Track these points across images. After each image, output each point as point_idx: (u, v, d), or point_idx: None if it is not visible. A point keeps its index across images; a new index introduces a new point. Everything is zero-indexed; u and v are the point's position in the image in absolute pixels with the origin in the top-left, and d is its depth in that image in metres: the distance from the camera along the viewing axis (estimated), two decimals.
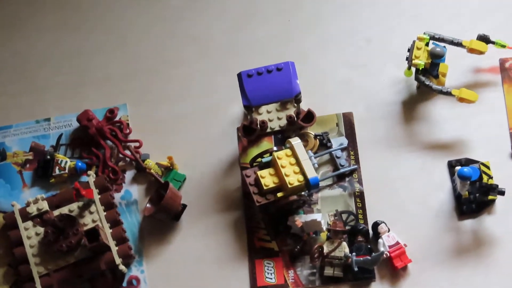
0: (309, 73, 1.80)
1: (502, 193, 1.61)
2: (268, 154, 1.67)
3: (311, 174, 1.61)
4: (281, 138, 1.75)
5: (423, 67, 1.67)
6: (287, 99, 1.65)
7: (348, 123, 1.76)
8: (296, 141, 1.64)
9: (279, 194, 1.62)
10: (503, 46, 1.72)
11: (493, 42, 1.72)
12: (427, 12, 1.83)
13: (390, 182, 1.71)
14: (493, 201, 1.66)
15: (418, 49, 1.68)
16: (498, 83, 1.75)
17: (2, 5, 1.96)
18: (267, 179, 1.63)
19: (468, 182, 1.59)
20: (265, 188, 1.62)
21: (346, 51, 1.83)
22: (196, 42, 1.87)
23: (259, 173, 1.64)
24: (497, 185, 1.61)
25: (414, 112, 1.75)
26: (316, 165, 1.67)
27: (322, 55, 1.83)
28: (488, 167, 1.66)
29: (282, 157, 1.64)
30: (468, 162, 1.68)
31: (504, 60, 1.77)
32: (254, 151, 1.73)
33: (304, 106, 1.75)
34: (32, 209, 1.64)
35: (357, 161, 1.72)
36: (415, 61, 1.67)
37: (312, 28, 1.87)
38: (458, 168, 1.58)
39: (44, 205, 1.64)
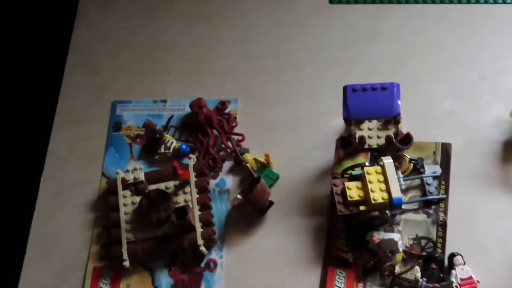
0: (416, 99, 1.84)
1: None
2: (359, 168, 1.72)
3: (396, 194, 1.65)
4: (377, 156, 1.79)
5: None
6: (386, 118, 1.70)
7: (445, 153, 1.78)
8: (388, 160, 1.69)
9: (362, 208, 1.67)
10: None
11: None
12: None
13: (475, 218, 1.71)
14: None
15: None
16: None
17: None
18: (353, 191, 1.68)
19: None
20: (349, 199, 1.67)
21: (456, 83, 1.85)
22: (312, 51, 1.95)
23: (347, 184, 1.69)
24: None
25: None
26: (404, 187, 1.70)
27: (432, 83, 1.86)
28: None
29: (372, 173, 1.68)
30: None
31: None
32: (348, 164, 1.78)
33: (405, 130, 1.79)
34: (130, 177, 1.77)
35: (446, 191, 1.74)
36: None
37: (428, 55, 1.90)
38: None
39: (141, 175, 1.76)
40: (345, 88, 1.72)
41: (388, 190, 1.65)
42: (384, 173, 1.67)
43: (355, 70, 1.89)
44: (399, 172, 1.71)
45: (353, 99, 1.70)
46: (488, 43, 1.88)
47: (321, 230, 1.76)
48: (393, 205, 1.64)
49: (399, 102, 1.69)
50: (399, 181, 1.68)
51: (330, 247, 1.74)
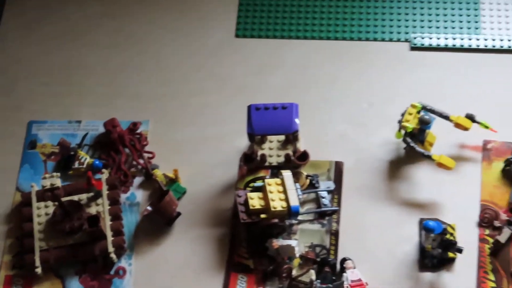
0: (314, 122, 2.02)
1: (460, 250, 1.78)
2: (261, 181, 1.88)
3: (293, 202, 1.81)
4: (277, 173, 1.95)
5: (411, 130, 1.87)
6: (286, 134, 1.87)
7: (338, 170, 1.96)
8: (287, 173, 1.85)
9: (263, 216, 1.82)
10: (486, 127, 1.92)
11: (478, 122, 1.92)
12: (425, 89, 2.05)
13: (365, 227, 1.89)
14: (453, 259, 1.82)
15: (410, 114, 1.89)
16: (478, 160, 1.94)
17: (66, 16, 2.24)
18: (255, 200, 1.83)
19: (431, 234, 1.77)
20: (251, 208, 1.82)
21: (349, 109, 2.05)
22: (220, 79, 2.11)
23: (249, 194, 1.84)
24: (456, 242, 1.78)
25: (398, 171, 1.95)
26: (301, 197, 1.86)
27: (328, 109, 2.05)
28: (453, 229, 1.83)
29: (272, 184, 1.84)
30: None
31: (487, 141, 1.96)
32: (251, 179, 1.94)
33: (302, 148, 1.96)
34: (46, 183, 1.87)
35: (339, 204, 1.92)
36: (404, 123, 1.88)
37: (325, 85, 2.09)
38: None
39: (57, 182, 1.87)
40: (249, 107, 1.89)
41: (287, 200, 1.81)
42: (283, 184, 1.83)
43: (258, 97, 2.06)
44: (297, 184, 1.87)
45: (256, 117, 1.87)
46: (377, 75, 2.09)
47: (224, 239, 1.90)
48: (291, 212, 1.80)
49: (297, 121, 1.86)
50: (297, 191, 1.84)
51: (233, 254, 1.88)
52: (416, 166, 1.94)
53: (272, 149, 1.98)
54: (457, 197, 1.90)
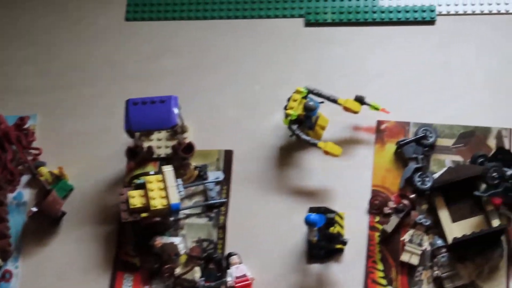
0: (203, 109, 1.95)
1: (344, 243, 1.73)
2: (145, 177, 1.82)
3: (173, 200, 1.75)
4: (165, 164, 1.89)
5: (295, 117, 1.80)
6: (164, 129, 1.81)
7: (227, 160, 1.90)
8: (167, 169, 1.79)
9: (143, 215, 1.77)
10: (376, 109, 1.85)
11: (368, 104, 1.84)
12: (321, 69, 1.96)
13: (254, 219, 1.84)
14: (341, 250, 1.77)
15: (294, 100, 1.81)
16: (371, 143, 1.87)
17: None
18: (136, 199, 1.78)
19: (315, 228, 1.71)
20: (131, 207, 1.77)
21: (240, 93, 1.97)
22: (109, 65, 2.04)
23: (130, 192, 1.79)
24: (340, 235, 1.73)
25: (290, 158, 1.88)
26: (183, 194, 1.80)
27: (218, 93, 1.97)
28: (341, 218, 1.78)
29: (153, 181, 1.78)
30: (326, 211, 1.79)
31: (380, 122, 1.88)
32: (139, 173, 1.88)
33: (192, 139, 1.90)
34: None
35: (227, 195, 1.86)
36: (287, 111, 1.80)
37: (216, 68, 2.01)
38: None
39: None
40: (126, 102, 1.81)
41: (167, 197, 1.76)
42: (164, 181, 1.77)
43: (148, 83, 1.99)
44: (179, 180, 1.81)
45: (134, 112, 1.79)
46: (270, 55, 2.01)
47: (112, 237, 1.85)
48: (171, 210, 1.75)
49: (177, 111, 1.79)
50: (178, 187, 1.78)
51: (119, 253, 1.83)
52: (307, 152, 1.88)
53: (160, 140, 1.92)
54: (349, 183, 1.84)
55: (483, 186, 1.75)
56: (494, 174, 1.71)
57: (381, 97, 1.89)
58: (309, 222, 1.69)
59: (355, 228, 1.79)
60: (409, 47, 1.97)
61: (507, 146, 1.83)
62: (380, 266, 1.76)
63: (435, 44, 1.96)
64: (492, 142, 1.84)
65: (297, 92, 1.83)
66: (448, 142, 1.85)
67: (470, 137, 1.85)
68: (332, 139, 1.87)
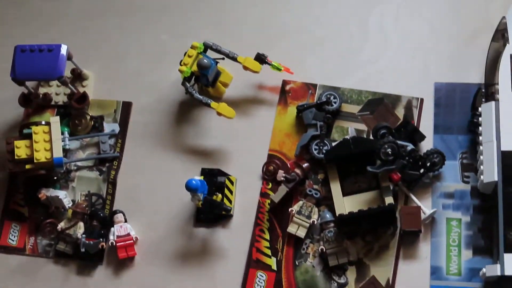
0: (106, 58, 1.87)
1: (227, 210, 1.67)
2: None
3: (56, 154, 1.70)
4: (63, 113, 1.82)
5: (188, 75, 1.71)
6: (50, 80, 1.73)
7: (125, 112, 1.82)
8: (54, 120, 1.73)
9: (27, 166, 1.72)
10: (279, 69, 1.74)
11: (269, 64, 1.74)
12: (229, 22, 1.86)
13: (145, 176, 1.78)
14: (230, 216, 1.71)
15: (189, 56, 1.72)
16: (274, 103, 1.78)
17: None
18: (22, 149, 1.72)
19: (198, 193, 1.65)
20: (16, 157, 1.71)
21: (146, 42, 1.88)
22: (15, 7, 1.95)
23: (16, 142, 1.73)
24: (222, 202, 1.66)
25: (189, 115, 1.80)
26: (68, 146, 1.75)
27: (121, 43, 1.88)
28: (232, 183, 1.71)
29: (39, 132, 1.72)
30: (219, 173, 1.73)
31: (286, 82, 1.79)
32: (36, 120, 1.81)
33: (94, 88, 1.83)
34: None
35: (122, 150, 1.79)
36: (180, 68, 1.71)
37: (123, 13, 1.91)
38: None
39: None
40: (15, 49, 1.73)
41: (51, 150, 1.70)
42: (50, 133, 1.71)
43: (48, 27, 1.91)
44: (66, 133, 1.75)
45: (20, 60, 1.72)
46: (180, 5, 1.90)
47: (2, 185, 1.81)
48: (54, 164, 1.69)
49: (64, 63, 1.71)
50: (63, 140, 1.72)
51: (9, 202, 1.79)
52: (207, 110, 1.78)
53: (59, 87, 1.84)
54: (247, 145, 1.77)
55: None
56: (389, 150, 1.61)
57: (290, 56, 1.80)
58: (189, 188, 1.63)
59: (247, 194, 1.73)
60: (328, 5, 1.84)
61: (415, 116, 1.72)
62: (267, 236, 1.70)
63: (352, 4, 1.83)
64: (400, 112, 1.73)
65: (193, 47, 1.73)
66: (355, 109, 1.75)
67: (378, 104, 1.74)
68: (235, 97, 1.79)
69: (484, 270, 1.54)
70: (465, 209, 1.64)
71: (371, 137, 1.69)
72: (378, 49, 1.79)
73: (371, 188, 1.67)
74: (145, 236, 1.73)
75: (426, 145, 1.69)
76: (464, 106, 1.71)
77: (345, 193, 1.67)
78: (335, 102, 1.73)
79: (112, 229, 1.72)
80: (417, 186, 1.66)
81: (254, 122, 1.77)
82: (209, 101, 1.71)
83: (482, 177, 1.58)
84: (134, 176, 1.78)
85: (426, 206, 1.65)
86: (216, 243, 1.71)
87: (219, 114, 1.70)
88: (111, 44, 1.88)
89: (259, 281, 1.66)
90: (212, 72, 1.73)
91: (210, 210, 1.67)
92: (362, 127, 1.74)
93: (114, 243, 1.70)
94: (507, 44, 1.65)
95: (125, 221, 1.73)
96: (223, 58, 1.75)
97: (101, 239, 1.70)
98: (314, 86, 1.77)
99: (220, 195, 1.68)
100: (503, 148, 1.57)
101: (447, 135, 1.69)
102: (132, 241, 1.71)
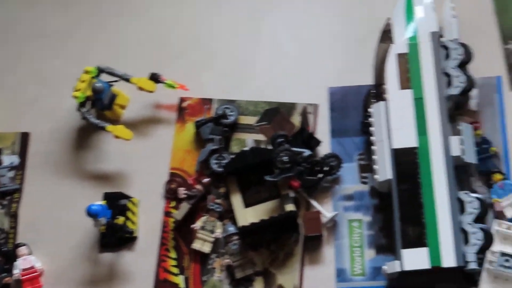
0: (1, 88, 1.85)
1: (130, 233, 1.66)
2: None
3: None
4: None
5: (82, 100, 1.70)
6: None
7: (23, 143, 1.80)
8: None
9: None
10: (173, 87, 1.74)
11: (163, 82, 1.74)
12: (123, 44, 1.86)
13: (48, 206, 1.76)
14: (134, 238, 1.70)
15: (82, 81, 1.71)
16: (172, 122, 1.78)
17: None
18: None
19: (99, 218, 1.63)
20: None
21: (39, 69, 1.86)
22: None
23: None
24: (124, 225, 1.65)
25: (89, 140, 1.80)
26: None
27: (14, 70, 1.87)
28: (134, 204, 1.70)
29: None
30: (121, 196, 1.72)
31: (183, 99, 1.79)
32: None
33: None
34: None
35: (22, 181, 1.77)
36: (73, 93, 1.70)
37: (10, 41, 1.90)
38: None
39: None
40: None
41: None
42: None
43: None
44: None
45: None
46: (73, 29, 1.89)
47: None
48: None
49: None
50: None
51: None
52: (106, 134, 1.77)
53: None
54: (147, 166, 1.76)
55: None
56: (285, 158, 1.61)
57: (185, 72, 1.80)
58: (90, 213, 1.61)
59: (151, 214, 1.72)
60: (218, 19, 1.85)
61: (311, 122, 1.73)
62: (173, 254, 1.69)
63: (243, 15, 1.84)
64: (297, 119, 1.74)
65: (86, 72, 1.72)
66: (253, 120, 1.76)
67: (274, 114, 1.75)
68: (134, 118, 1.79)
69: (384, 267, 1.55)
70: (366, 209, 1.65)
71: (270, 147, 1.69)
72: (272, 58, 1.81)
73: (272, 197, 1.67)
74: (51, 266, 1.71)
75: (325, 150, 1.70)
76: (358, 109, 1.72)
77: (248, 204, 1.67)
78: (231, 115, 1.73)
79: (15, 263, 1.69)
80: (317, 191, 1.66)
81: (154, 141, 1.77)
82: (105, 124, 1.70)
83: (377, 176, 1.60)
84: (36, 207, 1.76)
85: (327, 209, 1.65)
86: (123, 266, 1.69)
87: (116, 137, 1.69)
88: (8, 72, 1.86)
89: None
90: (106, 95, 1.72)
91: (113, 234, 1.66)
92: (261, 137, 1.74)
93: (20, 277, 1.67)
94: (393, 45, 1.67)
95: (30, 253, 1.70)
96: (117, 81, 1.74)
97: (6, 274, 1.67)
98: (210, 100, 1.78)
99: (122, 218, 1.67)
100: (394, 146, 1.58)
101: (343, 138, 1.71)
102: (37, 273, 1.68)
